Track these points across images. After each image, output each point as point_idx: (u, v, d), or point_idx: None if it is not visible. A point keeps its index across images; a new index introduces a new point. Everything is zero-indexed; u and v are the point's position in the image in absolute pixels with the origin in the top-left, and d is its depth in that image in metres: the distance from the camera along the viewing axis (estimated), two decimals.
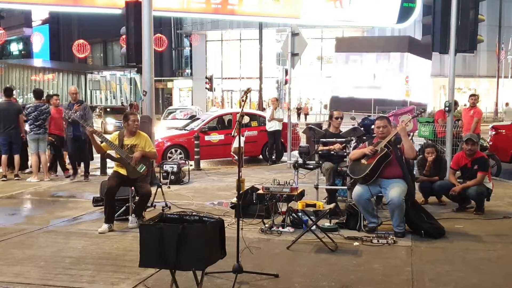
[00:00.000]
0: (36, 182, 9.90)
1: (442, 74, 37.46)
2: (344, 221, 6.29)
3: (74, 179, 10.27)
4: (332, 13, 20.30)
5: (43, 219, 6.94)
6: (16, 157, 10.27)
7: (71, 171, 10.51)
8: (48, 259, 5.13)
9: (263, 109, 27.39)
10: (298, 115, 38.64)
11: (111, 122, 25.33)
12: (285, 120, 12.99)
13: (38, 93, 10.73)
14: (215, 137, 13.05)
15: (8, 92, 10.58)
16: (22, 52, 71.33)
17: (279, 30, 39.79)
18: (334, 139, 7.37)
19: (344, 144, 7.31)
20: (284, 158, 13.21)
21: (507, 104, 35.82)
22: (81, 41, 33.44)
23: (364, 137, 7.64)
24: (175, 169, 9.72)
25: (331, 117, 7.91)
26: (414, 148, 6.35)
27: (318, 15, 20.20)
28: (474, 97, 11.22)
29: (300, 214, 6.11)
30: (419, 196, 7.42)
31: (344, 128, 8.12)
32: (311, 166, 7.32)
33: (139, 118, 6.68)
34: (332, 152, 7.23)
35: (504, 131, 11.02)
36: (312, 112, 41.86)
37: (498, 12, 42.29)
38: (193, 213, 4.27)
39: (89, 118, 10.29)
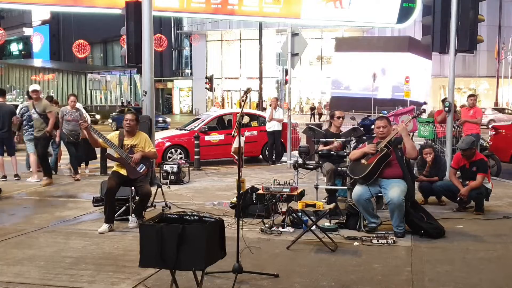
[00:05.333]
0: (35, 181, 9.90)
1: (442, 74, 37.53)
2: (344, 221, 6.30)
3: None
4: (332, 13, 20.27)
5: (43, 219, 6.94)
6: (13, 158, 10.26)
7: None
8: (48, 259, 5.13)
9: (263, 109, 27.39)
10: (312, 115, 38.26)
11: None
12: (285, 120, 12.99)
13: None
14: (215, 137, 13.05)
15: (1, 92, 10.47)
16: (22, 52, 71.40)
17: (279, 30, 39.81)
18: (334, 139, 7.37)
19: (344, 144, 7.31)
20: (284, 158, 13.21)
21: (507, 104, 35.89)
22: (81, 41, 33.50)
23: (364, 137, 7.64)
24: (175, 169, 9.72)
25: (332, 116, 7.90)
26: (416, 148, 6.35)
27: (318, 15, 20.16)
28: (473, 97, 11.23)
29: (300, 214, 6.11)
30: (419, 196, 7.43)
31: (344, 128, 8.13)
32: (311, 166, 7.32)
33: (134, 118, 6.59)
34: (332, 152, 7.23)
35: (504, 131, 11.03)
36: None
37: (498, 12, 42.33)
38: (193, 213, 4.27)
39: None
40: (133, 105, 39.35)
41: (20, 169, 10.53)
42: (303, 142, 12.22)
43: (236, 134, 4.64)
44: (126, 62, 10.40)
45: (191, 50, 50.96)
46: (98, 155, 11.22)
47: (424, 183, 7.72)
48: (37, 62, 60.64)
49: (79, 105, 11.77)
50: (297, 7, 19.57)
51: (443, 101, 11.83)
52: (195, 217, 4.14)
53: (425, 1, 10.66)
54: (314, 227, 5.65)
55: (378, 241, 5.63)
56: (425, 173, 7.78)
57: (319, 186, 7.06)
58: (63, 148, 11.84)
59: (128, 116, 6.51)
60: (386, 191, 5.91)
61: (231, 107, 42.62)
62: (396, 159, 5.94)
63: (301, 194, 6.16)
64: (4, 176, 10.16)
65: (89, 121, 10.15)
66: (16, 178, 10.18)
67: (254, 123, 13.77)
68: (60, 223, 6.72)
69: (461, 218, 6.79)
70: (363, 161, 6.01)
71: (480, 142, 10.77)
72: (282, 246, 5.49)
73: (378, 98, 34.25)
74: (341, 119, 7.82)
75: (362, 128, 8.66)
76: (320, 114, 38.47)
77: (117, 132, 6.64)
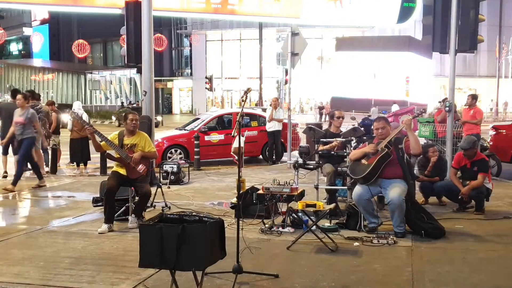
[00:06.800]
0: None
1: (442, 74, 37.51)
2: (344, 221, 6.28)
3: None
4: (332, 12, 20.32)
5: (43, 219, 6.93)
6: (15, 157, 10.31)
7: None
8: (48, 259, 5.12)
9: (264, 109, 27.35)
10: (321, 115, 38.02)
11: None
12: (285, 120, 12.97)
13: (32, 94, 11.08)
14: (215, 137, 13.04)
15: (13, 93, 10.67)
16: (22, 52, 71.35)
17: (279, 30, 39.80)
18: (334, 139, 7.36)
19: (344, 144, 7.30)
20: (284, 158, 13.20)
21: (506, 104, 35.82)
22: (81, 41, 33.51)
23: (364, 137, 7.63)
24: (175, 169, 9.71)
25: (332, 116, 7.90)
26: (420, 142, 6.34)
27: (318, 15, 20.20)
28: (470, 97, 11.21)
29: (300, 214, 6.10)
30: (419, 196, 7.42)
31: (344, 128, 8.12)
32: (311, 166, 7.31)
33: (137, 118, 6.66)
34: (332, 152, 7.22)
35: (504, 131, 11.01)
36: (311, 112, 41.77)
37: (499, 12, 42.33)
38: (193, 213, 4.26)
39: None
40: (134, 105, 39.26)
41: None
42: (303, 142, 12.21)
43: (236, 134, 4.63)
44: (126, 62, 10.40)
45: (191, 50, 50.94)
46: (92, 155, 11.28)
47: (425, 183, 7.70)
48: (37, 62, 60.63)
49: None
50: (297, 6, 19.59)
51: (443, 101, 11.82)
52: (195, 217, 4.13)
53: (425, 1, 10.65)
54: (314, 227, 5.64)
55: (378, 241, 5.62)
56: (427, 173, 7.76)
57: (319, 186, 7.05)
58: (63, 148, 11.88)
59: (132, 116, 6.56)
60: (386, 191, 5.89)
61: (231, 107, 42.59)
62: (396, 159, 5.92)
63: (301, 194, 6.14)
64: (5, 173, 10.21)
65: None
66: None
67: (254, 123, 13.76)
68: (60, 223, 6.71)
69: (461, 218, 6.77)
70: (363, 161, 5.99)
71: (481, 142, 10.75)
72: (282, 247, 5.48)
73: (378, 98, 34.26)
74: (340, 119, 7.81)
75: (362, 128, 8.64)
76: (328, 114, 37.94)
77: (117, 132, 6.65)
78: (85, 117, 10.99)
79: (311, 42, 21.23)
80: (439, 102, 17.39)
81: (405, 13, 20.70)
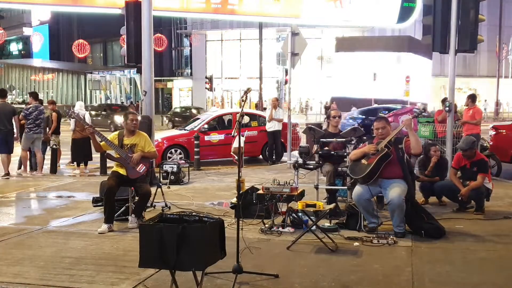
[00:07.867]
0: (23, 176, 10.51)
1: (442, 74, 37.52)
2: (344, 221, 6.28)
3: None
4: (332, 13, 20.26)
5: (42, 219, 6.93)
6: (9, 156, 10.48)
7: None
8: (48, 259, 5.12)
9: (264, 109, 27.34)
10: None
11: None
12: (285, 120, 12.97)
13: (36, 95, 11.36)
14: (215, 137, 13.04)
15: (3, 93, 10.79)
16: (22, 52, 71.28)
17: (279, 30, 39.77)
18: (334, 139, 7.36)
19: (344, 144, 7.29)
20: (284, 158, 13.20)
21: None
22: (81, 41, 33.48)
23: (364, 137, 7.63)
24: (175, 169, 9.71)
25: (329, 116, 7.92)
26: (420, 142, 6.34)
27: (318, 15, 20.15)
28: (468, 97, 11.20)
29: (300, 214, 6.10)
30: (419, 196, 7.42)
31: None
32: (311, 166, 7.31)
33: (138, 118, 6.69)
34: (332, 152, 7.22)
35: (504, 131, 11.01)
36: (311, 112, 41.75)
37: (498, 12, 42.31)
38: (193, 213, 4.27)
39: None
40: (134, 105, 39.26)
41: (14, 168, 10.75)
42: (303, 142, 12.20)
43: (236, 134, 4.63)
44: (126, 62, 10.42)
45: (191, 50, 50.92)
46: (92, 155, 11.31)
47: (425, 183, 7.70)
48: (37, 62, 60.58)
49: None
50: (297, 6, 19.57)
51: (443, 101, 11.82)
52: (195, 217, 4.14)
53: (425, 0, 10.65)
54: (314, 227, 5.64)
55: (378, 241, 5.62)
56: (427, 173, 7.76)
57: (319, 186, 7.05)
58: (63, 148, 11.90)
59: (132, 116, 6.57)
60: (386, 191, 5.89)
61: (231, 107, 42.56)
62: (396, 159, 5.92)
63: (301, 194, 6.15)
64: (7, 174, 10.25)
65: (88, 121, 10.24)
66: (5, 177, 10.30)
67: (254, 123, 13.76)
68: (60, 223, 6.71)
69: (461, 218, 6.77)
70: (363, 161, 5.99)
71: (480, 142, 10.76)
72: (282, 247, 5.48)
73: (378, 98, 34.22)
74: (337, 118, 7.81)
75: (362, 128, 8.63)
76: None
77: (117, 132, 6.66)
78: (87, 117, 11.04)
79: (311, 42, 21.23)
80: (422, 103, 17.51)
81: (405, 13, 20.66)
